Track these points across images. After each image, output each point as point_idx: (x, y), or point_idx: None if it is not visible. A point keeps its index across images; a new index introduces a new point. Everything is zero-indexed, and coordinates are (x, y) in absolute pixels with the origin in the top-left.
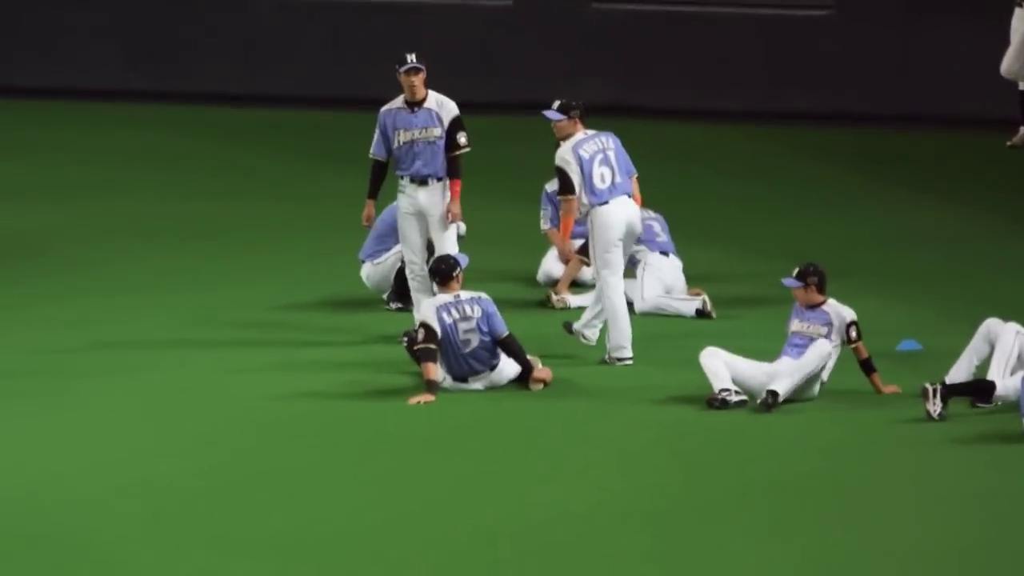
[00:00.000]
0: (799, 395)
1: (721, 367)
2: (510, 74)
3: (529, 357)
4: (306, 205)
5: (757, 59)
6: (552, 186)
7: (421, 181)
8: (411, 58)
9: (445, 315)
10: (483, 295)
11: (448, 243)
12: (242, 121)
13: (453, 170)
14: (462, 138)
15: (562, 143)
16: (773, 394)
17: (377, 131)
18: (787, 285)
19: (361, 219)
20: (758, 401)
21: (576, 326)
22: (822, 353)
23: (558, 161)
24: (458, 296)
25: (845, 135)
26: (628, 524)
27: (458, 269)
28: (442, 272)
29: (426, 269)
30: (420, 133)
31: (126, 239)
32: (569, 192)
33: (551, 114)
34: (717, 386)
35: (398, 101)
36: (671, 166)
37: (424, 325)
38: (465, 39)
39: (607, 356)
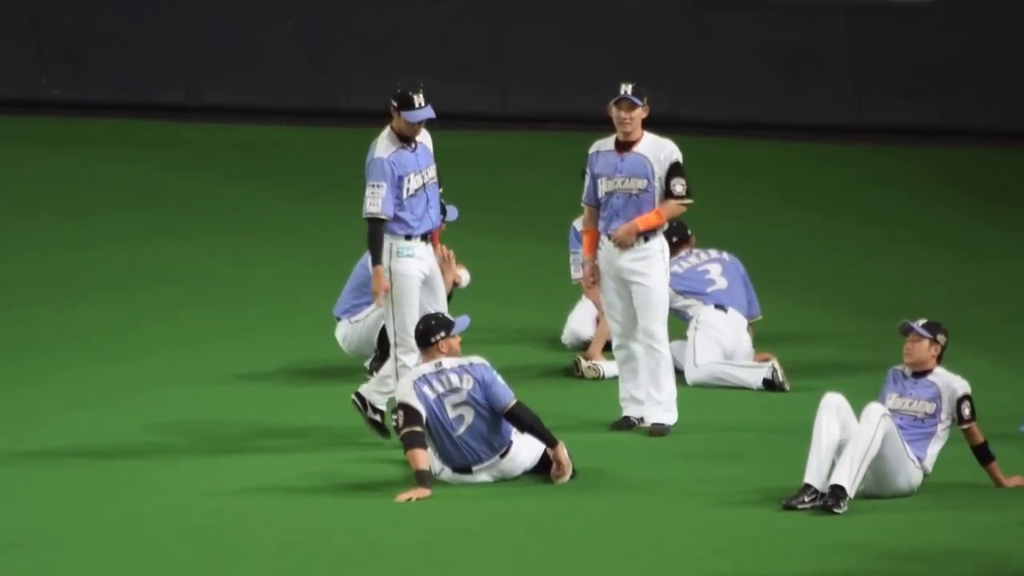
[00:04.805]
0: (885, 489)
1: (834, 433)
2: (526, 81)
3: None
4: (267, 245)
5: (842, 60)
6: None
7: (430, 237)
8: (420, 100)
9: (426, 389)
10: (475, 360)
11: (443, 302)
12: (187, 139)
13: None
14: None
15: (648, 135)
16: (838, 491)
17: (382, 182)
18: (910, 329)
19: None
20: (822, 499)
21: None
22: (871, 419)
23: (678, 156)
24: (440, 365)
25: (961, 155)
26: None
27: (441, 333)
28: (420, 335)
29: None
30: (427, 176)
31: (36, 290)
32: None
33: (635, 99)
34: (810, 472)
35: (391, 140)
36: (729, 194)
37: (403, 406)
38: (467, 36)
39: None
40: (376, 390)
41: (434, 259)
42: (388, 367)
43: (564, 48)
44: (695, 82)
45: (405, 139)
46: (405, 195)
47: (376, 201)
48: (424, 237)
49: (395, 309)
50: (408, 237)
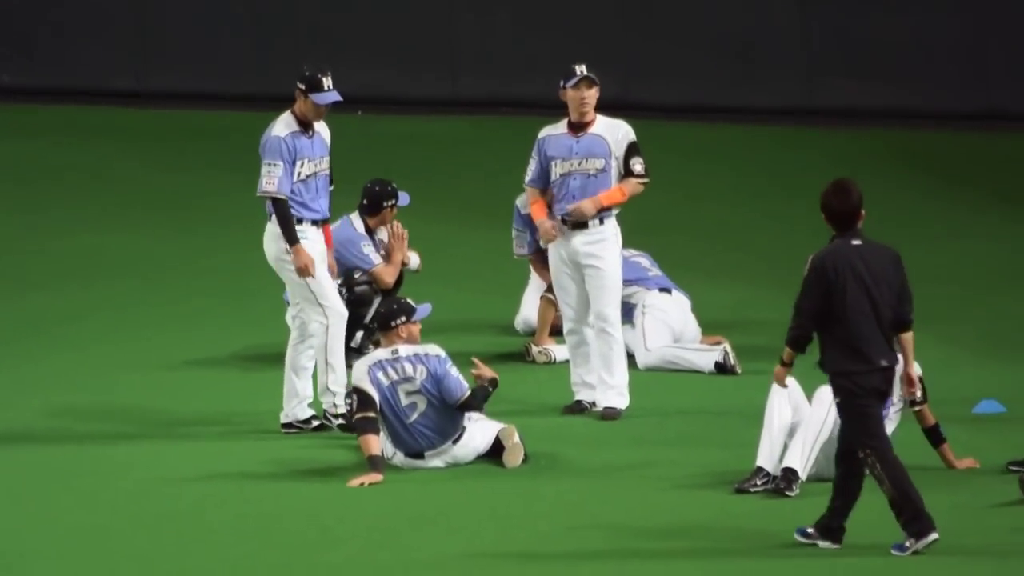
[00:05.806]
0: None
1: (786, 416)
2: (477, 66)
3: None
4: (219, 232)
5: (793, 43)
6: (525, 206)
7: (324, 222)
8: (328, 83)
9: (381, 376)
10: (431, 350)
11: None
12: (137, 125)
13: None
14: None
15: (601, 117)
16: (790, 474)
17: (278, 161)
18: None
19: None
20: (774, 482)
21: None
22: (823, 402)
23: (633, 135)
24: (396, 352)
25: (913, 137)
26: None
27: (402, 318)
28: (381, 318)
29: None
30: (320, 164)
31: None
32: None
33: (593, 77)
34: (762, 455)
35: (290, 122)
36: (682, 177)
37: (357, 391)
38: (418, 22)
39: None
40: (292, 408)
41: (324, 247)
42: (290, 388)
43: (515, 32)
44: (645, 66)
45: (304, 125)
46: (295, 179)
47: (272, 180)
48: (315, 223)
49: (310, 283)
50: (299, 222)
